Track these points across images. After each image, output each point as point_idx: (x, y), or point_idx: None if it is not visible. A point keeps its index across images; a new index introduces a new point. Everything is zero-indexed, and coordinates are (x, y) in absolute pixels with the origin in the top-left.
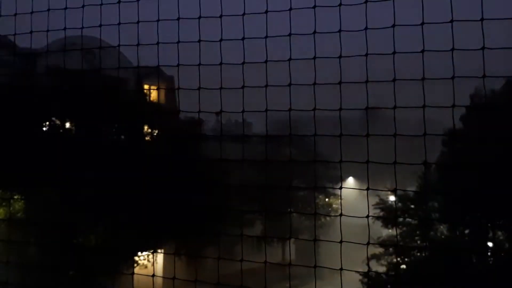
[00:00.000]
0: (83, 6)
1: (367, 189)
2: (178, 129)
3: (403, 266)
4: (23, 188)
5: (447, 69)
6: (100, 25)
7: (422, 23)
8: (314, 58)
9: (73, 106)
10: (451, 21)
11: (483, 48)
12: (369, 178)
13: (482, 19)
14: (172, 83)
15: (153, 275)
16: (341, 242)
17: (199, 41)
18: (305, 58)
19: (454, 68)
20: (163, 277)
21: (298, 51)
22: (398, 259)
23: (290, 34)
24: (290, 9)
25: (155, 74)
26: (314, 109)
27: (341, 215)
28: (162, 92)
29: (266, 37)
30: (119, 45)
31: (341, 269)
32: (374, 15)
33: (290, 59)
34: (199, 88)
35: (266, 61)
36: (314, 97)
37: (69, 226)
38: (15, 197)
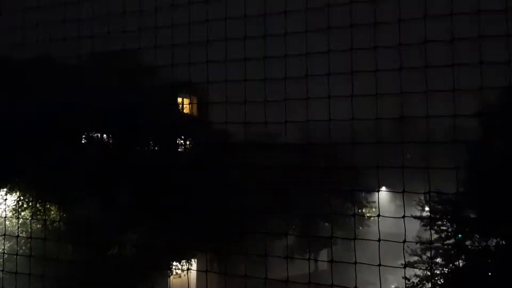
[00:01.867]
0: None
1: (403, 191)
2: (210, 140)
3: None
4: (63, 198)
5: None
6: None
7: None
8: (351, 72)
9: (111, 120)
10: (479, 37)
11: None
12: (400, 185)
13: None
14: (205, 97)
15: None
16: (379, 240)
17: (245, 59)
18: (342, 73)
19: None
20: None
21: (335, 65)
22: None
23: (328, 51)
24: (328, 27)
25: (188, 89)
26: (352, 119)
27: (378, 215)
28: (195, 106)
29: (306, 53)
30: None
31: (380, 264)
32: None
33: (328, 74)
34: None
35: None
36: (352, 108)
37: (105, 236)
38: (53, 207)
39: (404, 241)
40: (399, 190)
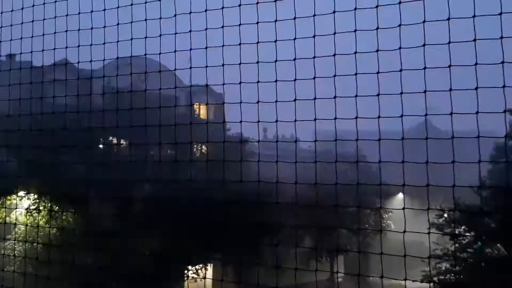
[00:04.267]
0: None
1: (428, 209)
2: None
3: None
4: (82, 203)
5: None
6: (160, 53)
7: (475, 39)
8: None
9: (127, 124)
10: (501, 37)
11: None
12: (419, 194)
13: None
14: (221, 100)
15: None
16: (404, 256)
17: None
18: (367, 73)
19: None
20: None
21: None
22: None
23: (355, 52)
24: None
25: (205, 92)
26: (379, 117)
27: (404, 231)
28: (212, 110)
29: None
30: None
31: (405, 279)
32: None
33: (357, 74)
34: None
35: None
36: (379, 107)
37: (121, 240)
38: (69, 211)
39: (429, 257)
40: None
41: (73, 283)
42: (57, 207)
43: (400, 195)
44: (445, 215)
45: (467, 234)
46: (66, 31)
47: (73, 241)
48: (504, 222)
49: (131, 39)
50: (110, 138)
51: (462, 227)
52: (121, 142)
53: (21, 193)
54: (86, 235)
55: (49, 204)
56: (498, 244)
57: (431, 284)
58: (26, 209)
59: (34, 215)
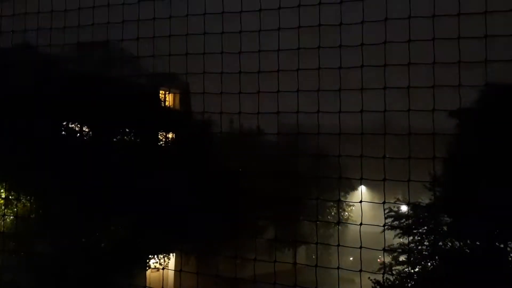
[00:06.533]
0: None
1: (383, 202)
2: (191, 132)
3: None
4: (37, 189)
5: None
6: (122, 39)
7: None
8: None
9: (90, 110)
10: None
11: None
12: (379, 187)
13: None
14: (187, 89)
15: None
16: (360, 248)
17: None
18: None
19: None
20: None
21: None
22: (410, 268)
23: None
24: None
25: (171, 80)
26: (339, 112)
27: (361, 224)
28: (178, 98)
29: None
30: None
31: (361, 270)
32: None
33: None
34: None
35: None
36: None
37: (81, 227)
38: (25, 198)
39: (384, 249)
40: (378, 189)
41: (29, 272)
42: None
43: (363, 188)
44: (403, 208)
45: (421, 228)
46: (25, 13)
47: (29, 229)
48: (456, 216)
49: (93, 24)
50: (72, 125)
51: (419, 220)
52: (83, 129)
53: None
54: (43, 222)
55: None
56: (452, 238)
57: (385, 275)
58: None
59: None
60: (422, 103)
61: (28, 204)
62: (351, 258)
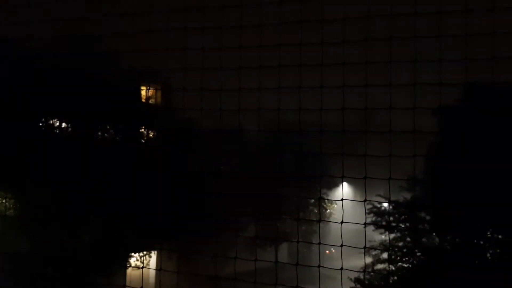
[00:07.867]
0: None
1: (365, 200)
2: (173, 128)
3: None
4: (16, 186)
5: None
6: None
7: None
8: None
9: (69, 105)
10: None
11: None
12: (362, 184)
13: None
14: (168, 85)
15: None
16: (341, 246)
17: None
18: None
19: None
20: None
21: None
22: (391, 266)
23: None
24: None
25: (152, 76)
26: (321, 109)
27: (342, 222)
28: (159, 94)
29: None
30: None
31: (342, 268)
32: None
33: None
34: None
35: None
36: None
37: (63, 223)
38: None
39: (365, 247)
40: (360, 187)
41: (5, 272)
42: None
43: (345, 185)
44: (384, 206)
45: (402, 225)
46: None
47: (6, 228)
48: (436, 214)
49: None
50: (52, 120)
51: (401, 218)
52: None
53: None
54: (21, 220)
55: None
56: (433, 234)
57: (364, 273)
58: None
59: None
60: (403, 102)
61: (4, 201)
62: (333, 250)
